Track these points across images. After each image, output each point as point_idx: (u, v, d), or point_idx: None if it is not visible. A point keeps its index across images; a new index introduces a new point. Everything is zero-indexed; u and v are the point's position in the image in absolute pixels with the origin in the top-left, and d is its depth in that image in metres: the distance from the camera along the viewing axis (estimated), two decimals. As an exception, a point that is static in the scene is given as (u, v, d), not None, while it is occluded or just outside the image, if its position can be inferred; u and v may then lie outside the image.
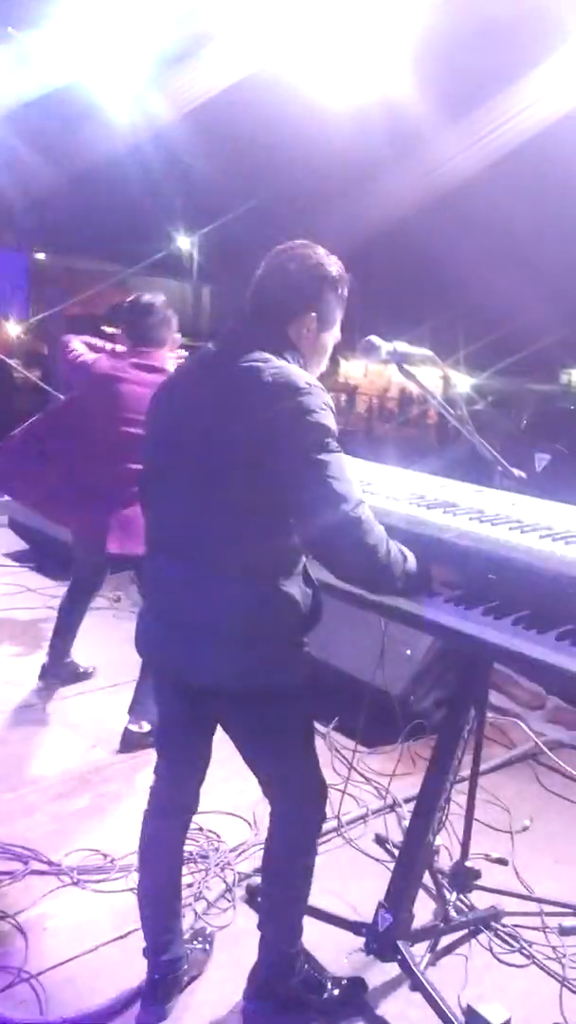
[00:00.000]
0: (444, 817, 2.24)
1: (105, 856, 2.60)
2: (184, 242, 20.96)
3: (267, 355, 1.73)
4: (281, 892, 2.05)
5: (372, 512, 1.73)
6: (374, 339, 2.00)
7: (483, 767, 2.76)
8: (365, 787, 3.12)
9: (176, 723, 2.02)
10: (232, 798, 2.84)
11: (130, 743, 3.31)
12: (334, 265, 1.87)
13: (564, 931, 2.39)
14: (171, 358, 3.36)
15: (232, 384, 1.72)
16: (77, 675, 3.85)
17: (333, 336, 1.91)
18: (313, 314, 1.83)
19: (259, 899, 2.13)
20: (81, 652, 3.88)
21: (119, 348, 3.46)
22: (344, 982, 2.14)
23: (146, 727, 3.31)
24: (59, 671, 3.79)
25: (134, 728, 3.31)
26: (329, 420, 1.69)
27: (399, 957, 2.12)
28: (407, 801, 2.92)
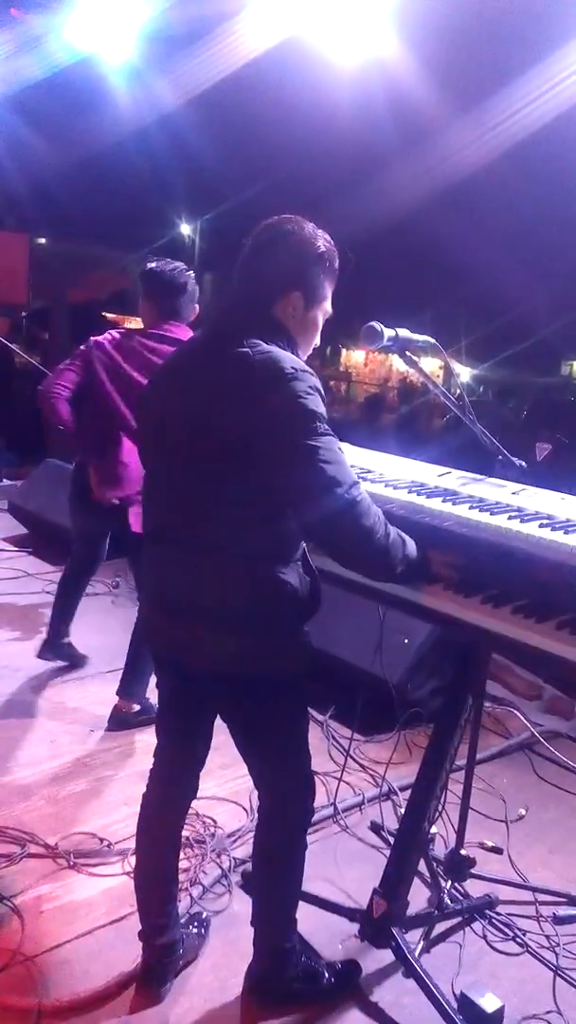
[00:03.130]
0: (440, 805, 2.25)
1: (102, 840, 2.60)
2: (186, 228, 20.87)
3: (255, 339, 1.69)
4: (270, 883, 2.05)
5: (369, 496, 1.72)
6: (376, 325, 1.98)
7: (479, 756, 2.76)
8: (361, 775, 3.13)
9: (176, 708, 2.02)
10: (230, 784, 2.85)
11: (119, 722, 3.34)
12: (320, 239, 1.82)
13: (558, 920, 2.40)
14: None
15: (221, 371, 1.70)
16: (72, 657, 3.85)
17: (324, 312, 1.87)
18: (298, 293, 1.79)
19: (250, 892, 2.13)
20: (79, 637, 3.88)
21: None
22: (339, 967, 2.15)
23: (136, 707, 3.35)
24: (58, 650, 3.80)
25: (124, 707, 3.34)
26: (317, 404, 1.67)
27: (393, 944, 2.13)
28: (403, 789, 2.93)
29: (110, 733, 3.30)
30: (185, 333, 3.17)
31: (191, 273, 3.26)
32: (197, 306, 3.28)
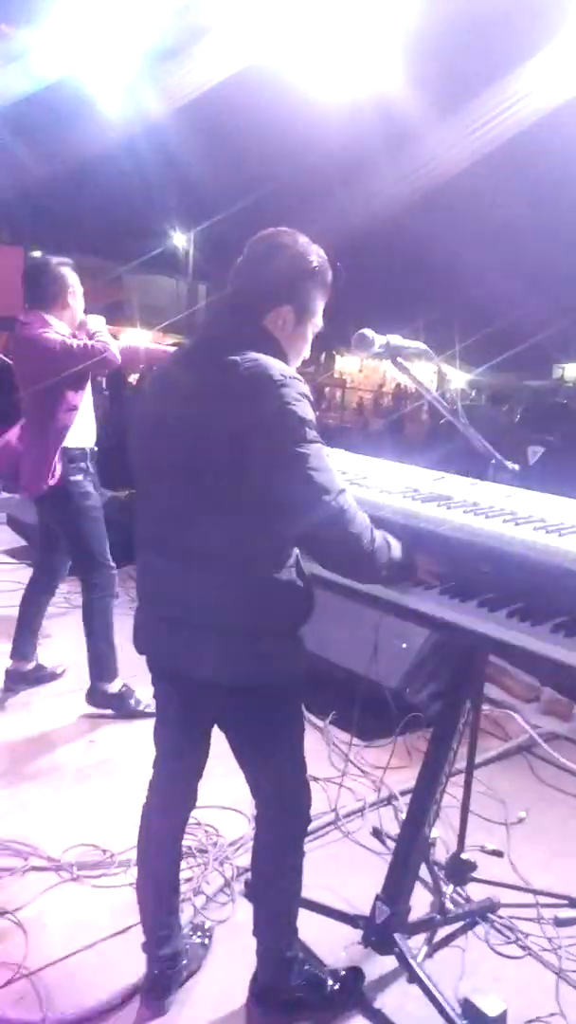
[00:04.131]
0: (439, 809, 2.25)
1: (104, 851, 2.61)
2: (180, 239, 20.93)
3: (244, 348, 1.71)
4: (270, 893, 2.05)
5: (359, 503, 1.74)
6: (367, 332, 2.00)
7: (478, 759, 2.77)
8: (362, 780, 3.13)
9: (174, 718, 2.02)
10: (231, 793, 2.83)
11: (95, 701, 3.48)
12: (314, 254, 1.84)
13: (560, 922, 2.40)
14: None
15: (210, 380, 1.71)
16: (41, 679, 3.79)
17: (314, 326, 1.89)
18: (289, 307, 1.81)
19: (251, 899, 2.13)
20: (76, 648, 3.87)
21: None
22: (343, 974, 2.14)
23: (115, 687, 3.46)
24: (26, 675, 3.75)
25: (100, 687, 3.49)
26: (306, 410, 1.68)
27: (396, 950, 2.13)
28: (403, 794, 2.93)
29: (109, 745, 3.30)
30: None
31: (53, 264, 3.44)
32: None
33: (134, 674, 3.39)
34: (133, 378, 9.81)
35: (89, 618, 3.51)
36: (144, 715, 3.35)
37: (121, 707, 3.50)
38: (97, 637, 3.49)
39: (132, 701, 3.49)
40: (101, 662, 3.50)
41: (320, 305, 1.89)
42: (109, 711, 3.51)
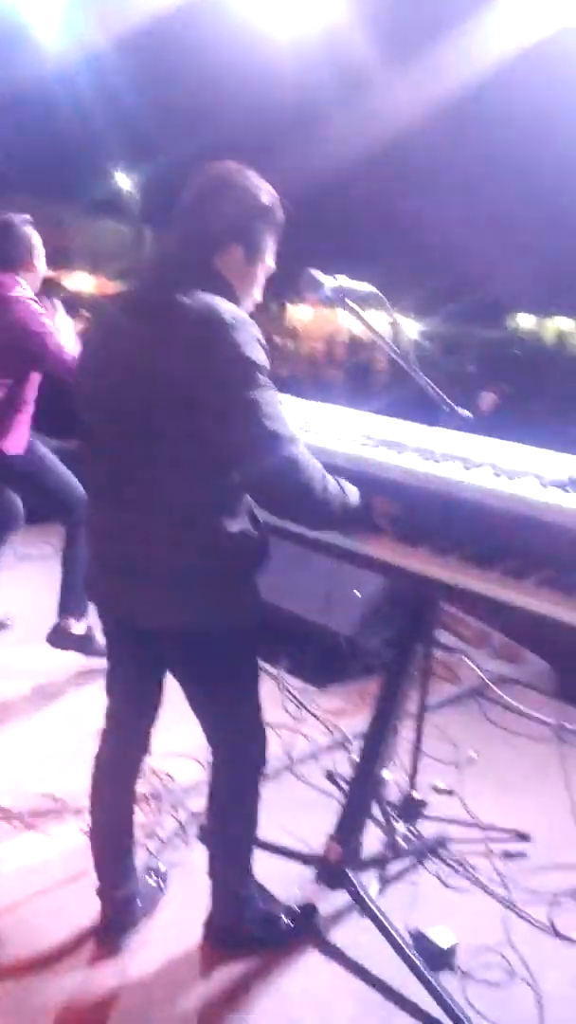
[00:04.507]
0: (392, 751, 2.29)
1: (56, 799, 2.60)
2: (124, 181, 20.27)
3: (193, 289, 1.65)
4: (225, 836, 2.07)
5: (312, 451, 1.71)
6: (315, 272, 1.95)
7: (430, 703, 2.82)
8: (316, 725, 3.17)
9: (125, 667, 2.01)
10: (185, 740, 2.85)
11: (57, 640, 3.41)
12: (264, 192, 1.78)
13: (508, 856, 2.49)
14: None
15: (159, 322, 1.65)
16: None
17: (265, 268, 1.84)
18: (239, 246, 1.75)
19: (206, 844, 2.15)
20: (26, 600, 3.82)
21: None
22: (296, 911, 2.18)
23: (81, 628, 3.41)
24: None
25: (67, 625, 3.42)
26: (258, 354, 1.63)
27: (349, 886, 2.18)
28: (356, 737, 2.98)
29: (57, 693, 3.28)
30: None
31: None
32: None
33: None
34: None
35: (71, 557, 3.42)
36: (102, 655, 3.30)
37: (85, 646, 3.44)
38: (77, 572, 3.38)
39: (96, 645, 3.43)
40: (77, 593, 3.40)
41: (271, 246, 1.83)
42: (71, 650, 3.45)
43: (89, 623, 3.47)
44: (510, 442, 2.09)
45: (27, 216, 3.27)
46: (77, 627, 3.46)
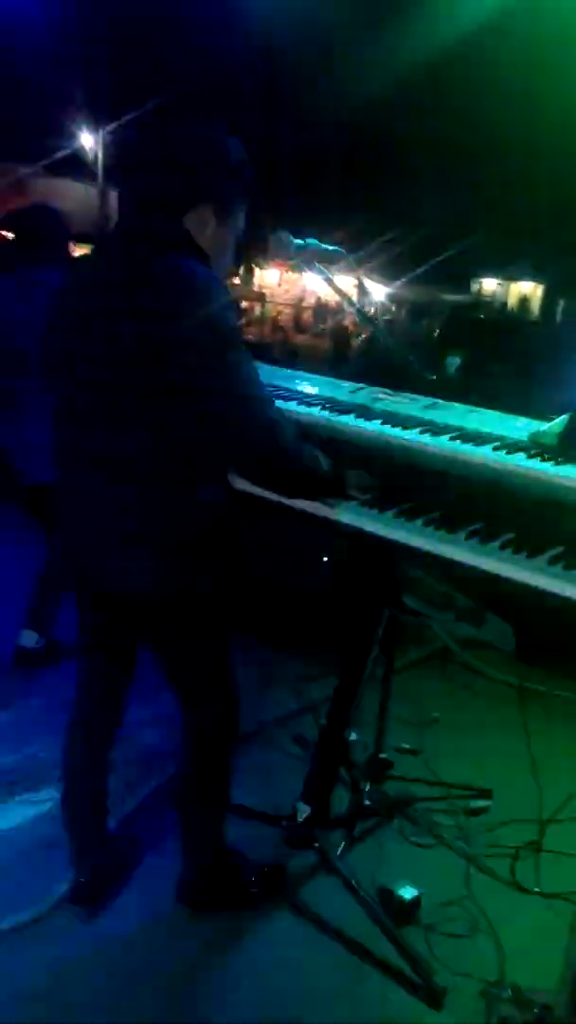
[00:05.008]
0: (358, 713, 2.32)
1: (31, 767, 2.61)
2: (88, 140, 19.75)
3: (165, 250, 1.60)
4: (197, 801, 2.08)
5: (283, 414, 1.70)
6: (284, 233, 1.93)
7: (396, 665, 2.86)
8: (284, 689, 3.20)
9: (97, 636, 2.00)
10: (157, 707, 2.87)
11: (24, 659, 3.28)
12: (233, 150, 1.71)
13: (469, 812, 2.55)
14: None
15: (131, 286, 1.60)
16: None
17: (236, 230, 1.77)
18: (209, 206, 1.68)
19: (178, 810, 2.16)
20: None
21: None
22: (266, 870, 2.22)
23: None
24: None
25: (27, 644, 3.28)
26: (233, 320, 1.61)
27: (316, 845, 2.22)
28: (324, 701, 3.01)
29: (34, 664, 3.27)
30: None
31: None
32: None
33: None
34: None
35: None
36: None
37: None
38: None
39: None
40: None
41: (242, 206, 1.76)
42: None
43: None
44: (474, 406, 2.10)
45: None
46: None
